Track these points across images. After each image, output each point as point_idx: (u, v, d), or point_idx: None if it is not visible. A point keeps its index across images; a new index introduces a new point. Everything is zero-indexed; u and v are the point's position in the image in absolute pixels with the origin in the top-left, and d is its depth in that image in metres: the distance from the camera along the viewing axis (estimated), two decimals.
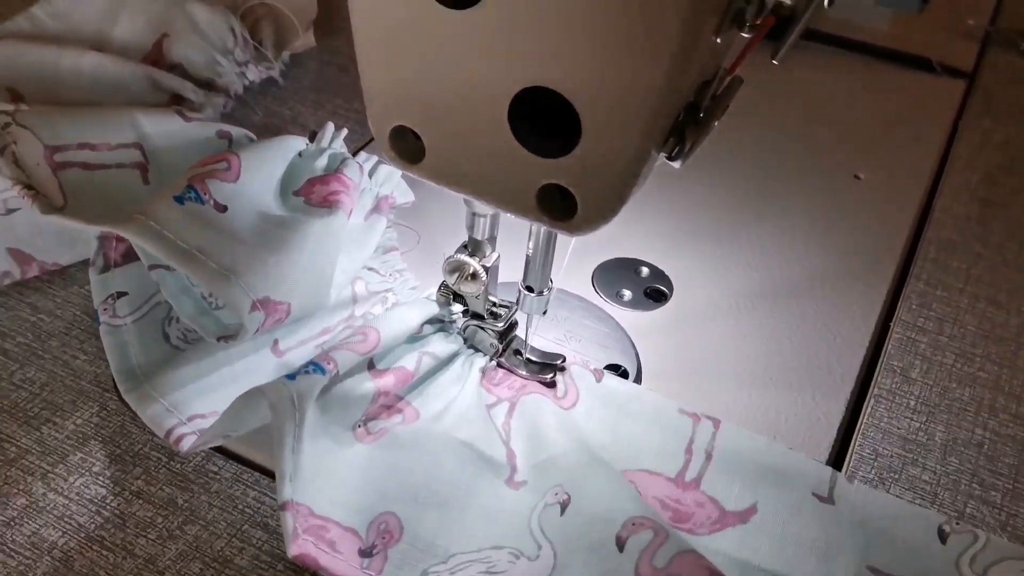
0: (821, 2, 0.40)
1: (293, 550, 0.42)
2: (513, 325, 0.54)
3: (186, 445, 0.47)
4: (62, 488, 0.47)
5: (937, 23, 0.89)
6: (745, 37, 0.39)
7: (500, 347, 0.53)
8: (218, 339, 0.49)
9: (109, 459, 0.48)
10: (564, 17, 0.35)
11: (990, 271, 0.64)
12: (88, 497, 0.46)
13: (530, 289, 0.50)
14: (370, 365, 0.50)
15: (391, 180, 0.59)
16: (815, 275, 0.63)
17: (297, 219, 0.52)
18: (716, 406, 0.53)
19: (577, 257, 0.62)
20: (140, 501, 0.46)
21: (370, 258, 0.58)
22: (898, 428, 0.54)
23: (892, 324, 0.60)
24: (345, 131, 0.59)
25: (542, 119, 0.39)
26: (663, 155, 0.41)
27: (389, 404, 0.49)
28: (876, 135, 0.76)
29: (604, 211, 0.41)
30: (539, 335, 0.56)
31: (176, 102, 0.69)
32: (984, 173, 0.73)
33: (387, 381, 0.49)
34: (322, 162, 0.56)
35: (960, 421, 0.54)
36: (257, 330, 0.48)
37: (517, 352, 0.54)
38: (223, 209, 0.51)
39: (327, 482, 0.46)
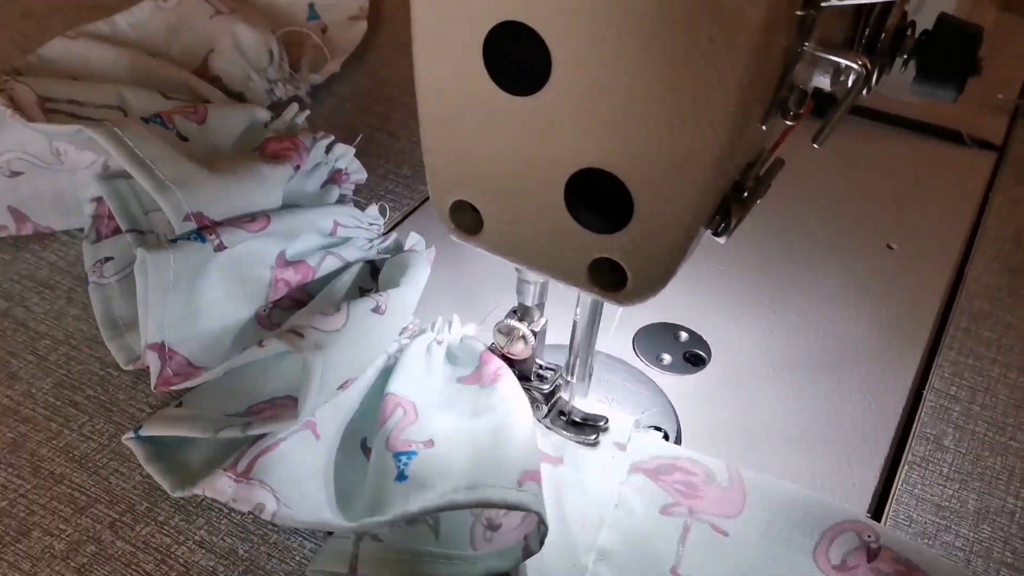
0: (861, 91, 0.42)
1: (160, 385, 0.53)
2: (558, 387, 0.56)
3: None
4: (129, 536, 0.49)
5: (967, 97, 0.91)
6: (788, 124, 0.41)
7: (547, 408, 0.55)
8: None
9: (173, 509, 0.50)
10: (620, 105, 0.38)
11: (1020, 341, 0.66)
12: (154, 546, 0.48)
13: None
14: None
15: (346, 157, 0.66)
16: (850, 342, 0.65)
17: (249, 157, 0.59)
18: (753, 467, 0.55)
19: (617, 321, 0.64)
20: (203, 551, 0.48)
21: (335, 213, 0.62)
22: (931, 495, 0.55)
23: (925, 392, 0.62)
24: (307, 112, 0.67)
25: (596, 197, 0.41)
26: (709, 231, 0.44)
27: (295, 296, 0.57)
28: (909, 206, 0.79)
29: (654, 283, 0.43)
30: (583, 396, 0.58)
31: None
32: (1014, 243, 0.75)
33: (288, 273, 0.58)
34: (281, 128, 0.64)
35: (992, 489, 0.56)
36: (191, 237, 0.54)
37: (562, 413, 0.56)
38: (184, 139, 0.58)
39: (203, 333, 0.55)
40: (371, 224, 0.63)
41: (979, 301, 0.69)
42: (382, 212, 0.64)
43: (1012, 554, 0.52)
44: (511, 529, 0.48)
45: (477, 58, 0.40)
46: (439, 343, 0.56)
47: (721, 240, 0.43)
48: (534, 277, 0.51)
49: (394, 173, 0.76)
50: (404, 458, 0.49)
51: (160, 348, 0.54)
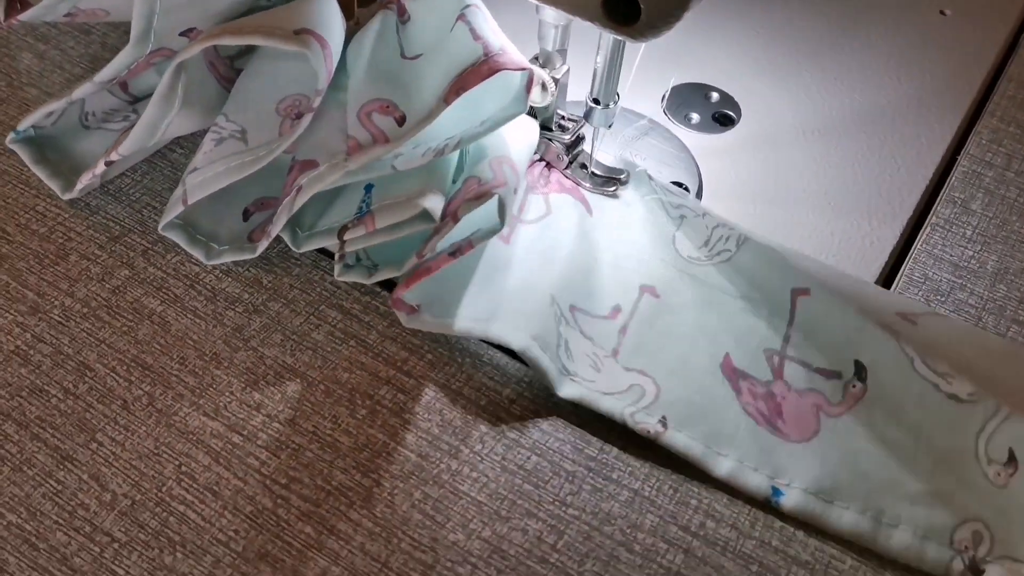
0: None
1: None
2: (580, 139, 0.56)
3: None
4: (160, 263, 0.51)
5: None
6: None
7: (567, 159, 0.55)
8: None
9: None
10: None
11: None
12: (184, 273, 0.51)
13: (596, 102, 0.52)
14: None
15: None
16: (887, 108, 0.63)
17: None
18: (770, 225, 0.55)
19: (650, 79, 0.63)
20: (229, 279, 0.51)
21: None
22: (951, 256, 0.55)
23: (959, 158, 0.60)
24: None
25: None
26: None
27: None
28: None
29: (666, 16, 0.42)
30: (605, 151, 0.58)
31: None
32: None
33: None
34: None
35: (1015, 252, 0.55)
36: None
37: (583, 166, 0.56)
38: None
39: None
40: None
41: None
42: None
43: None
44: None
45: None
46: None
47: None
48: (554, 18, 0.50)
49: None
50: None
51: None
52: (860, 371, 0.46)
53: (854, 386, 0.46)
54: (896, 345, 0.46)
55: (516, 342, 0.46)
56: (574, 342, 0.48)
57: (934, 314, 0.50)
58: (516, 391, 0.47)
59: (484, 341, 0.49)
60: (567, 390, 0.46)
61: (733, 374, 0.47)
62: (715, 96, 0.63)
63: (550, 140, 0.55)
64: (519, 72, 0.46)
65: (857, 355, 0.47)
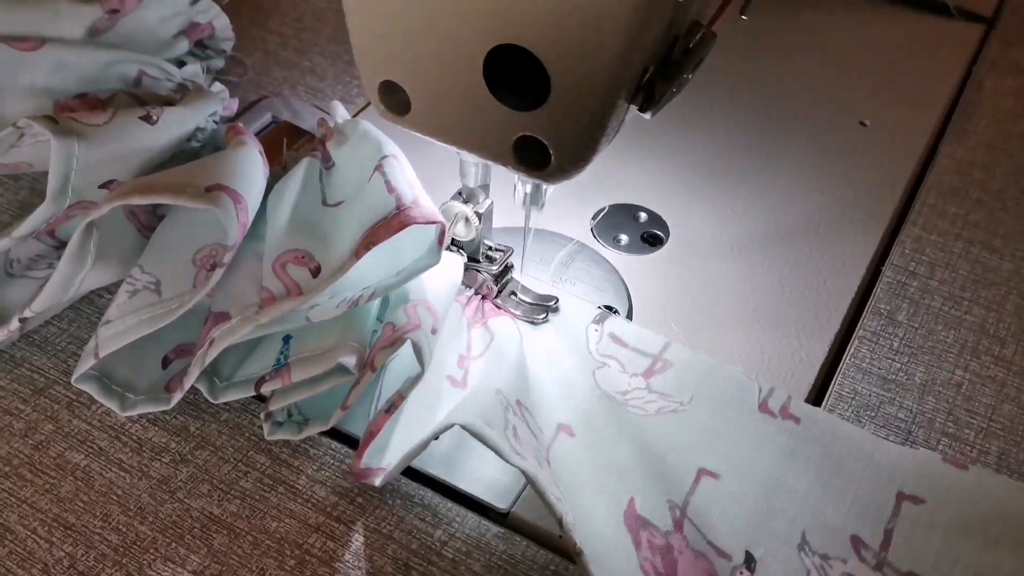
0: None
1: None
2: (508, 268, 0.56)
3: None
4: (86, 415, 0.51)
5: None
6: None
7: (496, 289, 0.56)
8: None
9: None
10: None
11: (988, 216, 0.65)
12: (109, 424, 0.50)
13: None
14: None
15: (209, 12, 0.62)
16: (812, 220, 0.65)
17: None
18: (701, 344, 0.55)
19: (578, 202, 0.64)
20: (156, 428, 0.50)
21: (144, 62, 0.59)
22: (879, 368, 0.56)
23: (883, 268, 0.61)
24: None
25: (515, 75, 0.41)
26: (635, 107, 0.43)
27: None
28: (887, 81, 0.77)
29: (576, 160, 0.43)
30: (534, 277, 0.58)
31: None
32: (993, 119, 0.74)
33: (74, 103, 0.55)
34: None
35: (941, 363, 0.56)
36: None
37: (512, 293, 0.56)
38: None
39: None
40: (186, 80, 0.60)
41: (950, 177, 0.68)
42: (213, 82, 0.61)
43: (954, 424, 0.53)
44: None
45: None
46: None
47: (647, 116, 0.43)
48: (474, 158, 0.51)
49: None
50: None
51: None
52: (750, 561, 0.46)
53: (741, 573, 0.45)
54: (796, 550, 0.46)
55: (460, 418, 0.45)
56: (521, 430, 0.47)
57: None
58: (448, 532, 0.47)
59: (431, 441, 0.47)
60: (518, 461, 0.44)
61: (635, 523, 0.46)
62: (643, 216, 0.64)
63: (478, 271, 0.56)
64: (431, 225, 0.46)
65: (750, 546, 0.46)
